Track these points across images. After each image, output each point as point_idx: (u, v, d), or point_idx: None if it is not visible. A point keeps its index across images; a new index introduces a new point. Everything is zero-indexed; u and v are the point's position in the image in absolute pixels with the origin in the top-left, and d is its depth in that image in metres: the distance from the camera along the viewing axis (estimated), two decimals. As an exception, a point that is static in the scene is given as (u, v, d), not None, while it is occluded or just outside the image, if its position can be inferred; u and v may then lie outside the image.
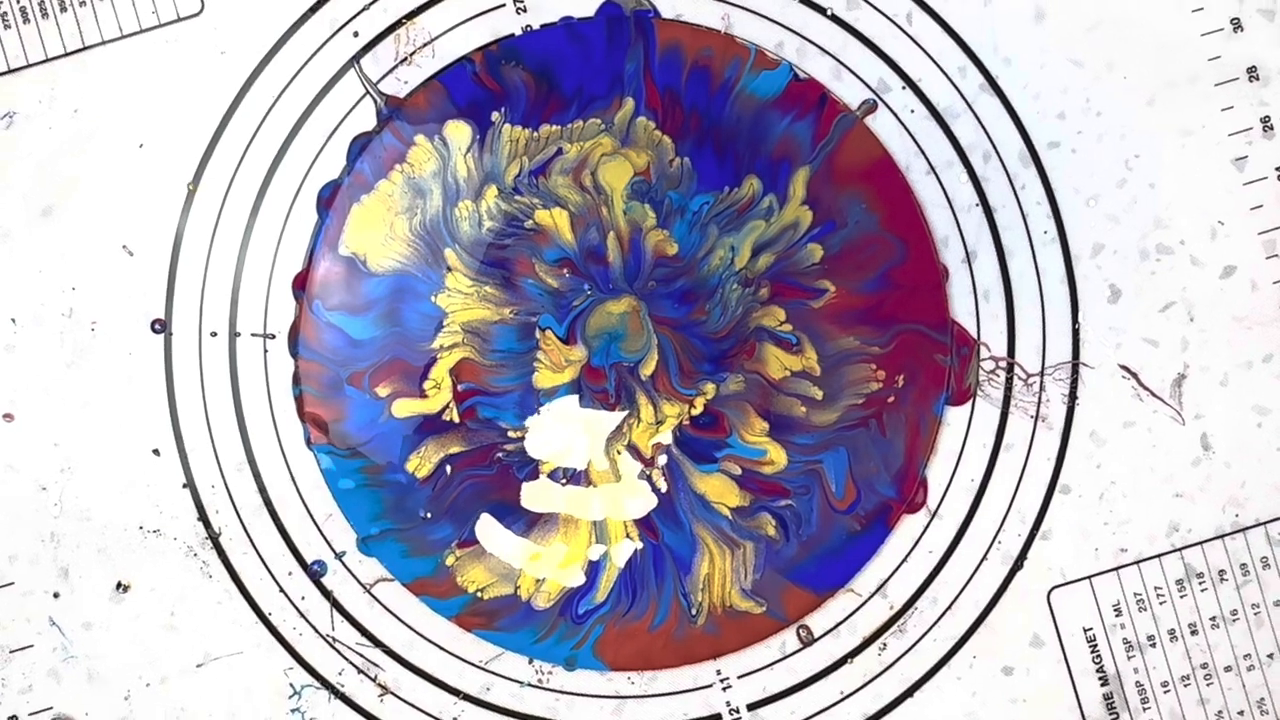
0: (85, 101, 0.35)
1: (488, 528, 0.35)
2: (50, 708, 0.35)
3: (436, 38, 0.35)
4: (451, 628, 0.35)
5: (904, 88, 0.35)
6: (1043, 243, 0.36)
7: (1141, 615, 0.36)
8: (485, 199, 0.35)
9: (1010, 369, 0.36)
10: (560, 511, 0.35)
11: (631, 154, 0.35)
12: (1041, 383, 0.36)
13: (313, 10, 0.35)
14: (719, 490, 0.35)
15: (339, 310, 0.35)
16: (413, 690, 0.36)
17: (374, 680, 0.36)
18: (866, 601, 0.36)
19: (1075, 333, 0.36)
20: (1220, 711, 0.36)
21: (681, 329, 0.35)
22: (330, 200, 0.35)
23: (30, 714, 0.35)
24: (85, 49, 0.35)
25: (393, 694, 0.36)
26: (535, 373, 0.35)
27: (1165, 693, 0.36)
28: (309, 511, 0.35)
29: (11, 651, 0.35)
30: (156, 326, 0.35)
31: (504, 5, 0.35)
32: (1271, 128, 0.36)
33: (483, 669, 0.36)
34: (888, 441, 0.35)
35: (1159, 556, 0.36)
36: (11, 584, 0.35)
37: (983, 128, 0.36)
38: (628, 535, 0.35)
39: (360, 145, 0.35)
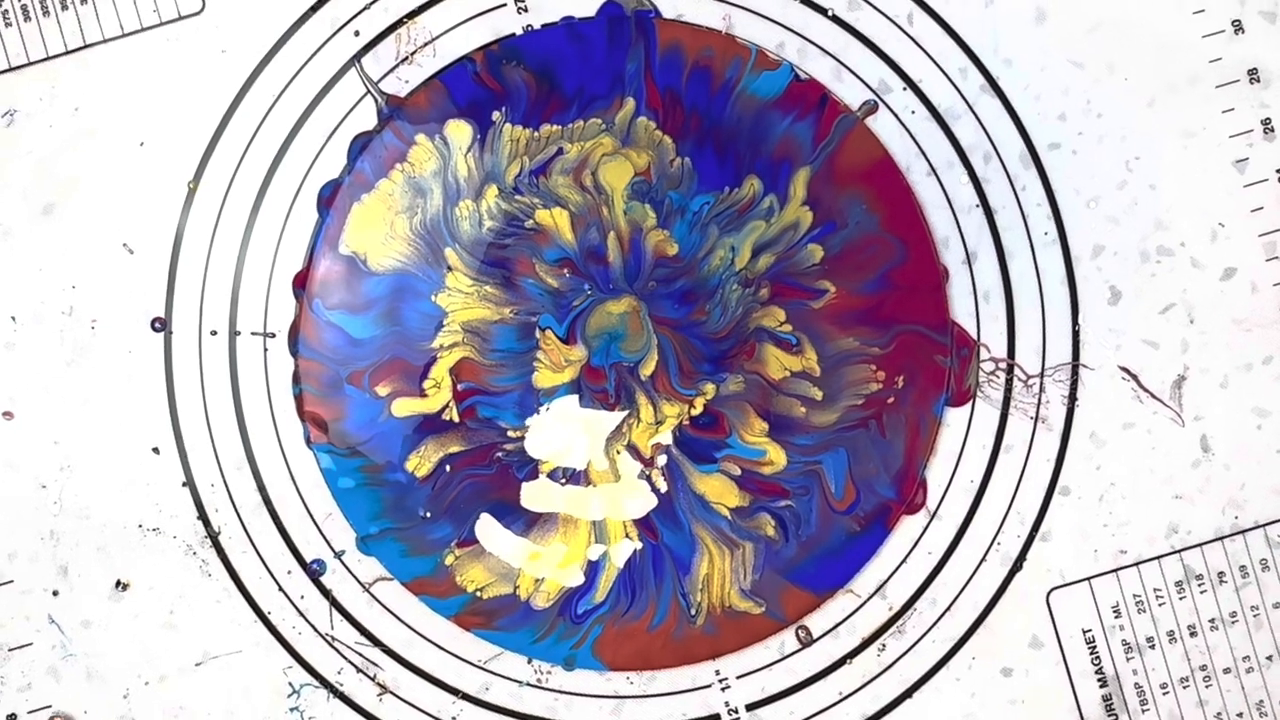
0: (86, 99, 0.35)
1: (487, 527, 0.35)
2: (49, 706, 0.35)
3: (437, 37, 0.35)
4: (450, 627, 0.35)
5: (905, 89, 0.35)
6: (1043, 244, 0.36)
7: (1141, 617, 0.36)
8: (486, 198, 0.35)
9: (1010, 370, 0.36)
10: (560, 511, 0.35)
11: (632, 154, 0.35)
12: (1041, 384, 0.36)
13: (314, 9, 0.35)
14: (718, 490, 0.35)
15: (339, 309, 0.35)
16: (412, 689, 0.36)
17: (373, 679, 0.36)
18: (866, 602, 0.36)
19: (1075, 334, 0.36)
20: (1219, 713, 0.36)
21: (681, 329, 0.35)
22: (331, 199, 0.35)
23: (29, 712, 0.35)
24: (86, 47, 0.35)
25: (392, 693, 0.36)
26: (535, 372, 0.35)
27: (1164, 694, 0.36)
28: (308, 510, 0.35)
29: (10, 649, 0.35)
30: (156, 325, 0.35)
31: (505, 5, 0.35)
32: (1272, 130, 0.36)
33: (482, 668, 0.36)
34: (887, 442, 0.35)
35: (1158, 558, 0.36)
36: (11, 582, 0.35)
37: (983, 129, 0.36)
38: (627, 535, 0.35)
39: (361, 144, 0.35)
